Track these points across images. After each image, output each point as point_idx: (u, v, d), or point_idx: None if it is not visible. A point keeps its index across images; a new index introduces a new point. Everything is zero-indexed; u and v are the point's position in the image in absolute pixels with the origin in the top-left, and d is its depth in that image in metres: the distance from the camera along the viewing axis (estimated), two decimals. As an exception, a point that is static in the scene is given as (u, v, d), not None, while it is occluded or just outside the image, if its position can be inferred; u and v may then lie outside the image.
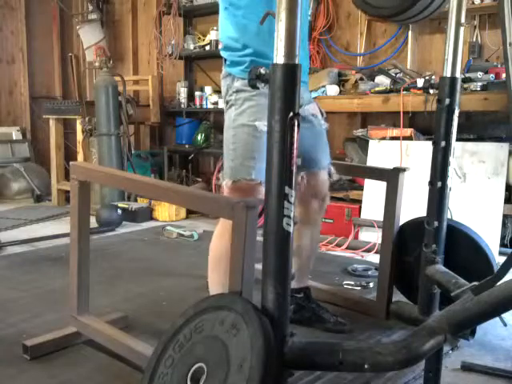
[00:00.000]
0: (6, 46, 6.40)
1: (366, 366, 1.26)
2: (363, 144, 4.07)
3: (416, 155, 3.69)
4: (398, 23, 2.19)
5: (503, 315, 1.30)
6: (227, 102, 1.99)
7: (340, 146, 4.46)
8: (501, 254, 3.29)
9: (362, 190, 3.89)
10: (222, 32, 2.00)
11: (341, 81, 4.24)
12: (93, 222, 3.61)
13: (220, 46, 2.04)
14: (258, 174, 1.84)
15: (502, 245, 3.42)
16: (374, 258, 3.22)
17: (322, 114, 2.20)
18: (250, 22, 1.87)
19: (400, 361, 1.26)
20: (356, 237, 3.80)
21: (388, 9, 2.12)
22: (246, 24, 1.89)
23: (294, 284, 2.32)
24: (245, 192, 1.88)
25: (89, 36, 6.00)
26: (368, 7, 2.18)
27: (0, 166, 5.73)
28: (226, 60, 2.00)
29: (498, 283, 1.30)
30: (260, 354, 1.21)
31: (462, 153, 3.48)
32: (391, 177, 2.34)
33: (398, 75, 3.98)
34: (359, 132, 4.14)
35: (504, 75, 3.31)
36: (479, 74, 3.58)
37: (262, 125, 1.81)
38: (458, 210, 3.27)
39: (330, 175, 2.22)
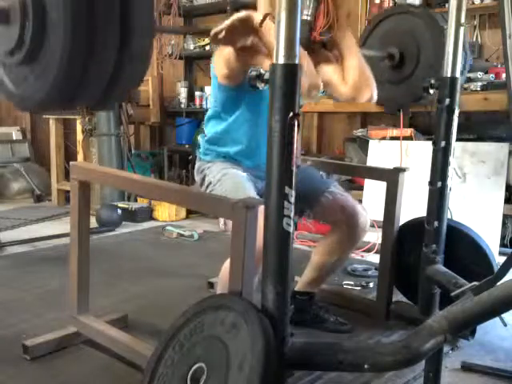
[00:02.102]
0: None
1: (365, 366, 1.26)
2: (363, 144, 4.07)
3: (416, 155, 3.69)
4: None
5: (503, 315, 1.30)
6: (203, 178, 2.10)
7: (340, 146, 4.47)
8: (501, 254, 3.28)
9: (362, 190, 3.89)
10: (210, 126, 2.12)
11: (341, 81, 4.23)
12: (93, 222, 3.61)
13: (205, 136, 2.15)
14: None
15: (502, 245, 3.43)
16: (374, 258, 3.22)
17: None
18: (235, 130, 2.02)
19: (400, 361, 1.26)
20: (356, 237, 3.79)
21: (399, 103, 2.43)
22: (232, 130, 2.02)
23: (301, 287, 2.33)
24: None
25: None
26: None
27: (0, 166, 5.73)
28: (200, 147, 2.16)
29: (498, 283, 1.30)
30: (260, 354, 1.21)
31: (461, 153, 3.48)
32: (391, 177, 2.34)
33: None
34: (359, 132, 4.14)
35: (504, 75, 3.31)
36: (479, 74, 3.58)
37: (238, 171, 2.00)
38: (458, 210, 3.27)
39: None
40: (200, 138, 2.18)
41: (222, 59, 1.87)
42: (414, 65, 2.21)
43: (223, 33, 1.66)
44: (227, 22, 1.66)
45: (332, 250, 2.21)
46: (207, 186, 2.05)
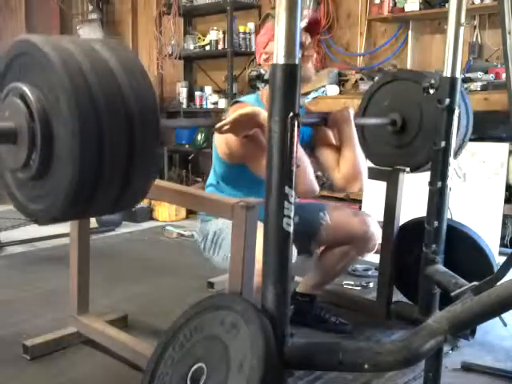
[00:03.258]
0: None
1: (366, 366, 1.26)
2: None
3: (416, 155, 3.68)
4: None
5: (503, 315, 1.30)
6: (205, 237, 2.13)
7: (340, 146, 4.45)
8: (501, 254, 3.28)
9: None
10: (209, 191, 2.13)
11: (341, 81, 4.24)
12: (93, 222, 3.61)
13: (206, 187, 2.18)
14: None
15: (502, 245, 3.42)
16: (374, 258, 3.21)
17: None
18: (235, 194, 1.99)
19: (400, 361, 1.26)
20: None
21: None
22: (232, 194, 2.00)
23: (303, 289, 2.33)
24: None
25: (89, 36, 6.00)
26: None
27: (0, 166, 5.73)
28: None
29: (498, 283, 1.30)
30: (260, 353, 1.21)
31: (462, 153, 3.48)
32: (391, 177, 2.34)
33: (398, 75, 3.97)
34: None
35: (504, 75, 3.31)
36: (479, 74, 3.58)
37: None
38: (458, 209, 3.27)
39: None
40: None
41: (223, 140, 1.88)
42: (417, 130, 2.24)
43: (228, 126, 1.68)
44: (232, 116, 1.67)
45: (339, 257, 2.23)
46: (209, 242, 2.09)
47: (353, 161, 1.98)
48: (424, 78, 2.01)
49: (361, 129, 2.29)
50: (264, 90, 1.92)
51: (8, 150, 1.12)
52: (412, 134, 2.25)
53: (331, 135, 2.03)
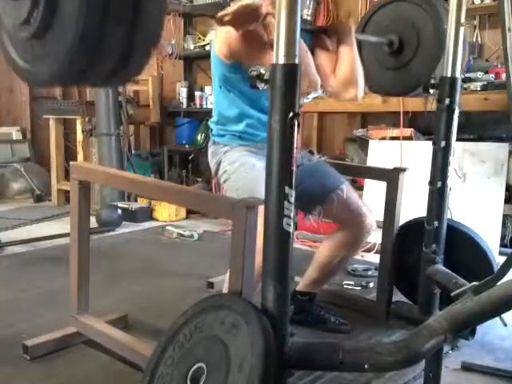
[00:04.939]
0: (6, 46, 6.39)
1: (366, 366, 1.26)
2: (363, 144, 4.07)
3: (416, 155, 3.69)
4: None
5: (503, 315, 1.30)
6: (218, 163, 2.08)
7: (340, 145, 4.46)
8: (501, 254, 3.28)
9: (362, 190, 3.89)
10: (216, 106, 2.11)
11: (341, 81, 4.23)
12: (93, 222, 3.61)
13: (213, 118, 2.15)
14: None
15: (502, 245, 3.42)
16: (374, 258, 3.21)
17: (312, 153, 2.27)
18: (241, 104, 2.01)
19: (400, 361, 1.26)
20: (356, 237, 3.79)
21: (396, 90, 2.45)
22: (238, 105, 2.01)
23: (302, 287, 2.33)
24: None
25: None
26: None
27: (0, 166, 5.73)
28: (212, 130, 2.13)
29: (498, 283, 1.30)
30: (260, 354, 1.21)
31: (462, 153, 3.48)
32: (391, 177, 2.34)
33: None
34: (359, 132, 4.14)
35: (504, 75, 3.31)
36: (479, 74, 3.58)
37: (256, 161, 1.96)
38: (458, 209, 3.27)
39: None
40: (210, 124, 2.16)
41: (223, 37, 1.89)
42: (414, 51, 2.23)
43: (229, 16, 1.69)
44: (234, 8, 1.69)
45: (335, 250, 2.20)
46: (222, 174, 2.04)
47: (350, 66, 1.99)
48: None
49: (358, 49, 2.30)
50: None
51: (7, 5, 1.07)
52: (408, 56, 2.24)
53: (330, 44, 2.04)
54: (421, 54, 2.19)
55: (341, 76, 2.00)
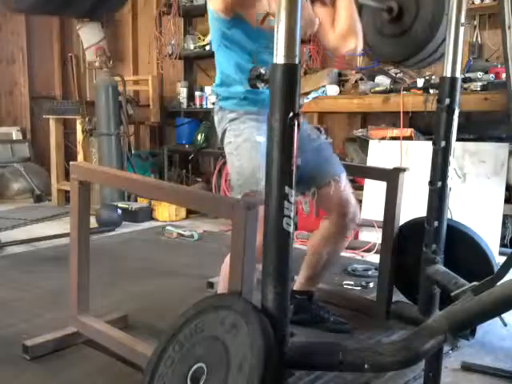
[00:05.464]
0: (6, 46, 6.39)
1: (366, 366, 1.26)
2: (363, 144, 4.07)
3: (416, 155, 3.69)
4: (410, 68, 2.57)
5: (503, 315, 1.30)
6: (224, 131, 2.04)
7: (340, 145, 4.46)
8: (501, 254, 3.28)
9: (362, 190, 3.89)
10: (218, 68, 2.08)
11: (341, 81, 4.24)
12: (93, 222, 3.61)
13: (215, 82, 2.11)
14: None
15: (502, 245, 3.42)
16: (374, 258, 3.22)
17: (320, 131, 2.24)
18: (242, 59, 1.97)
19: (400, 361, 1.26)
20: (356, 237, 3.79)
21: (395, 57, 2.42)
22: (238, 61, 1.97)
23: (299, 286, 2.33)
24: None
25: (89, 36, 5.99)
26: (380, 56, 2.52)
27: (0, 166, 5.73)
28: (218, 95, 2.09)
29: (498, 283, 1.30)
30: (260, 354, 1.21)
31: (462, 153, 3.48)
32: (391, 177, 2.33)
33: (398, 75, 3.98)
34: (359, 132, 4.14)
35: (504, 75, 3.31)
36: (479, 74, 3.58)
37: (262, 138, 1.89)
38: (458, 209, 3.27)
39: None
40: (215, 89, 2.12)
41: None
42: (413, 18, 2.23)
43: None
44: None
45: (322, 241, 2.19)
46: (227, 145, 2.01)
47: (349, 18, 1.99)
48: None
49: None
50: None
51: None
52: (407, 23, 2.23)
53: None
54: (420, 21, 2.18)
55: (340, 28, 2.00)
